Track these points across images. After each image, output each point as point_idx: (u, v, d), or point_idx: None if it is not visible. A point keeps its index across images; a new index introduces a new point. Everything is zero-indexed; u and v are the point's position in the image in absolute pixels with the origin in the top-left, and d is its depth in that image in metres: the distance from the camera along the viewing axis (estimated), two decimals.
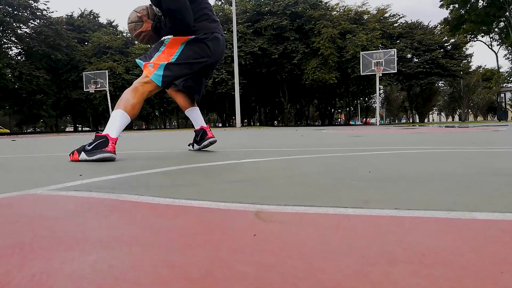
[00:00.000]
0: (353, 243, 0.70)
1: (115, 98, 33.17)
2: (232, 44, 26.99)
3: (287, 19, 32.17)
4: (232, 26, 25.77)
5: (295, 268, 0.58)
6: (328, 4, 34.22)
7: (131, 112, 2.52)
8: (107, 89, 25.91)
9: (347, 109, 49.47)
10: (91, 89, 26.32)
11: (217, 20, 2.79)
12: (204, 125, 3.14)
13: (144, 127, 60.46)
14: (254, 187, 1.29)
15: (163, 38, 2.68)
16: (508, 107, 40.88)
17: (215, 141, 3.11)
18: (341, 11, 34.31)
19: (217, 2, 38.10)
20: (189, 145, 3.34)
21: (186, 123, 49.76)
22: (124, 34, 41.17)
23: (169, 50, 2.60)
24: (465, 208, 0.95)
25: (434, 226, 0.80)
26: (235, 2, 27.67)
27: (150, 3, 2.69)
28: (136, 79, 2.66)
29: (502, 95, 34.84)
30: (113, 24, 45.88)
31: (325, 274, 0.56)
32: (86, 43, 39.62)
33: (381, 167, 1.79)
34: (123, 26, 67.21)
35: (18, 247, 0.70)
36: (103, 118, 42.23)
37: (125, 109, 2.50)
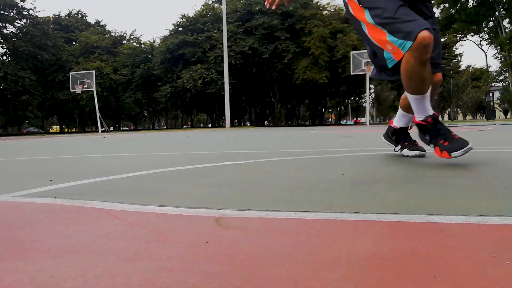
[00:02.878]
0: (303, 249, 0.71)
1: (102, 99, 32.83)
2: (222, 44, 26.94)
3: (278, 19, 32.21)
4: (222, 26, 25.71)
5: (236, 276, 0.59)
6: (319, 3, 34.32)
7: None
8: (94, 89, 25.54)
9: (338, 108, 49.72)
10: (78, 89, 25.89)
11: None
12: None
13: (132, 127, 59.78)
14: (225, 192, 1.30)
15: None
16: (496, 106, 41.50)
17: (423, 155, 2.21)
18: (332, 10, 34.44)
19: (207, 1, 37.97)
20: (391, 143, 2.43)
21: (175, 124, 49.55)
22: (112, 34, 40.82)
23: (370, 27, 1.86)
24: (424, 211, 0.96)
25: (387, 230, 0.81)
26: (226, 1, 27.61)
27: None
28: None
29: (491, 94, 35.39)
30: (101, 23, 45.45)
31: (264, 281, 0.57)
32: (73, 43, 39.20)
33: (356, 170, 1.81)
34: (111, 26, 66.78)
35: None
36: (90, 119, 41.81)
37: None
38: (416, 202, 1.07)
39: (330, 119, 69.64)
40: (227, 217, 0.96)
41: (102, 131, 23.15)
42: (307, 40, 31.25)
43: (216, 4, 36.36)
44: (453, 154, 1.70)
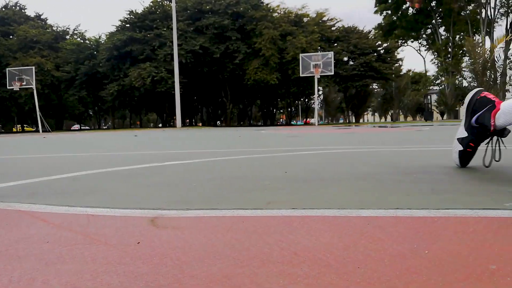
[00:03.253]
0: (236, 246, 0.71)
1: (43, 97, 30.77)
2: (172, 42, 26.39)
3: (229, 19, 32.17)
4: (172, 23, 25.18)
5: (164, 276, 0.57)
6: (269, 5, 34.78)
7: None
8: (33, 86, 23.81)
9: (289, 109, 50.70)
10: (16, 86, 24.00)
11: None
12: None
13: (75, 127, 56.16)
14: (166, 191, 1.27)
15: None
16: (434, 108, 44.58)
17: None
18: (282, 13, 35.06)
19: None
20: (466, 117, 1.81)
21: (122, 124, 47.65)
22: (54, 28, 38.40)
23: None
24: (356, 206, 1.00)
25: (319, 225, 0.84)
26: None
27: None
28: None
29: (429, 97, 37.82)
30: (41, 17, 42.62)
31: (193, 279, 0.56)
32: (10, 37, 36.38)
33: (299, 167, 1.85)
34: (53, 20, 63.26)
35: None
36: (29, 118, 38.97)
37: None
38: (350, 197, 1.12)
39: (281, 119, 70.80)
40: (163, 217, 0.94)
41: (42, 131, 21.73)
42: (258, 41, 31.55)
43: (165, 1, 35.49)
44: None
